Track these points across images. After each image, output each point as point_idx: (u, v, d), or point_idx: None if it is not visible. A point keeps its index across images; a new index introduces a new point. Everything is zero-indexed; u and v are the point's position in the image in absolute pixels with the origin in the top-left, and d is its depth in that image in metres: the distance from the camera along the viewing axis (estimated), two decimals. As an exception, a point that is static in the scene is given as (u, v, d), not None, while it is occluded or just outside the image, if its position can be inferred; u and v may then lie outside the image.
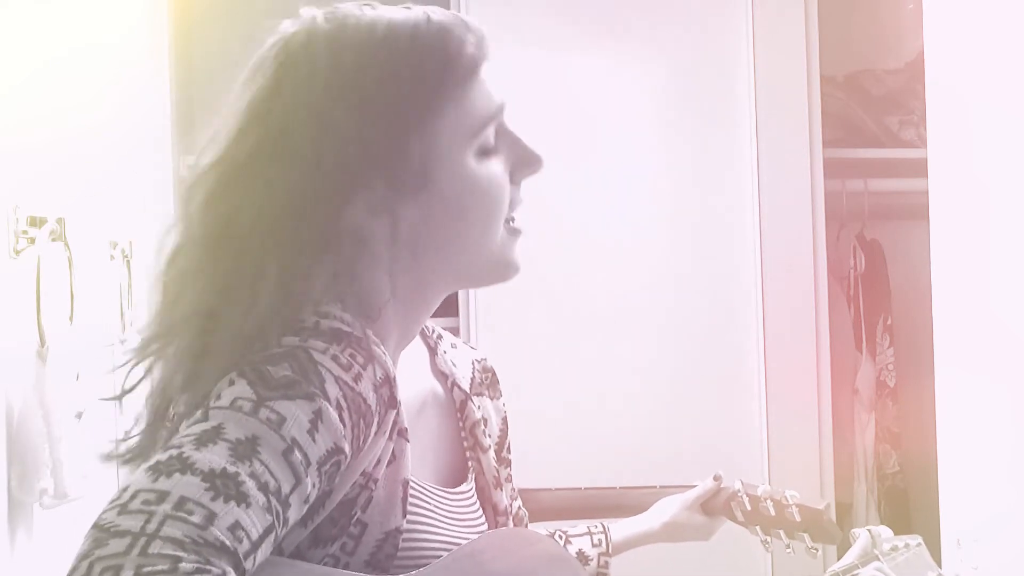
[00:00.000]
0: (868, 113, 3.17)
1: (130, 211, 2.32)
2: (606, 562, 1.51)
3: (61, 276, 1.73)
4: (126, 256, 2.17)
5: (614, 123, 2.72)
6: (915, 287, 2.65)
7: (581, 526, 1.54)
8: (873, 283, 3.18)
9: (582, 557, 1.49)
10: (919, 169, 2.08)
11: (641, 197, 2.71)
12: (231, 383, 0.86)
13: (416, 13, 0.98)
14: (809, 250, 2.75)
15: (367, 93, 0.94)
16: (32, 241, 1.65)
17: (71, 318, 1.75)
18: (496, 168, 1.00)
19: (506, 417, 1.20)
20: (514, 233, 1.03)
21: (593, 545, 1.51)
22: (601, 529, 1.53)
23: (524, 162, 1.02)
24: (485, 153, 0.99)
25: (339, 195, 0.93)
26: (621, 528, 1.57)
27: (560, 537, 1.49)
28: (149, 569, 0.71)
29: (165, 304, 0.97)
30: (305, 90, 0.94)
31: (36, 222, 1.67)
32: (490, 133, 1.00)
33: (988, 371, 1.82)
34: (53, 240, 1.70)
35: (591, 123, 2.67)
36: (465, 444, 1.12)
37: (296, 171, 0.92)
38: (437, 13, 0.98)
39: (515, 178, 1.02)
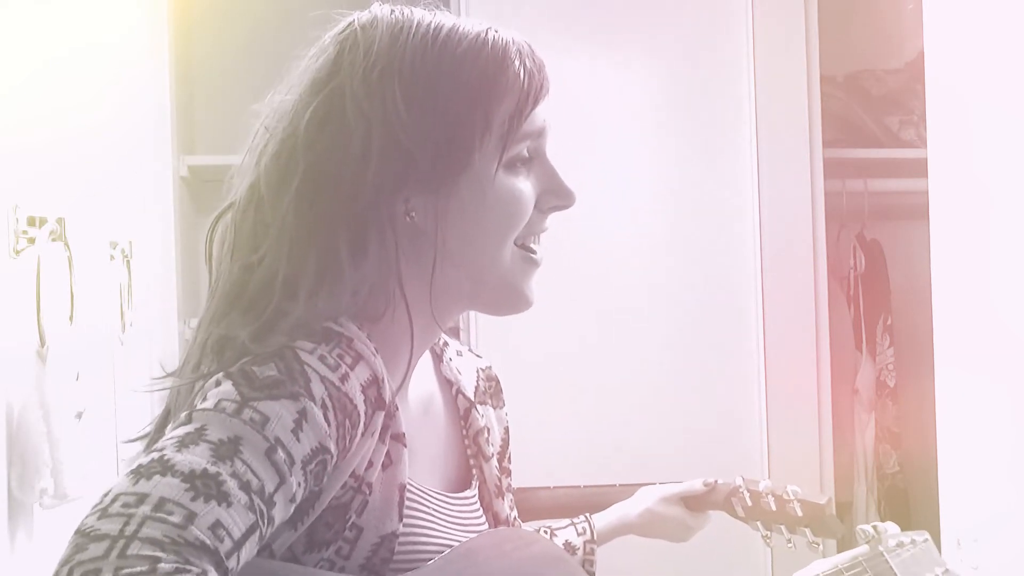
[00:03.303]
0: (868, 113, 3.17)
1: (130, 211, 2.32)
2: (592, 549, 1.52)
3: (61, 276, 1.73)
4: (126, 256, 2.17)
5: (614, 124, 2.71)
6: (915, 287, 2.65)
7: (563, 520, 1.54)
8: (873, 283, 3.18)
9: (569, 547, 1.49)
10: (919, 169, 2.08)
11: (641, 197, 2.71)
12: (217, 384, 0.86)
13: (483, 24, 0.99)
14: (809, 250, 2.74)
15: (420, 83, 0.95)
16: (32, 241, 1.65)
17: (71, 318, 1.75)
18: (522, 186, 0.99)
19: (508, 427, 1.20)
20: (530, 263, 1.02)
21: (578, 534, 1.52)
22: (583, 519, 1.54)
23: (554, 192, 1.01)
24: (513, 168, 0.99)
25: (376, 180, 0.94)
26: (601, 517, 1.58)
27: (545, 532, 1.49)
28: (128, 571, 0.70)
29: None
30: (360, 69, 0.95)
31: (36, 222, 1.67)
32: (523, 149, 0.99)
33: (988, 371, 1.82)
34: (53, 240, 1.69)
35: (591, 124, 2.67)
36: (468, 452, 1.12)
37: (345, 149, 0.94)
38: (503, 31, 0.99)
39: (542, 205, 1.02)
